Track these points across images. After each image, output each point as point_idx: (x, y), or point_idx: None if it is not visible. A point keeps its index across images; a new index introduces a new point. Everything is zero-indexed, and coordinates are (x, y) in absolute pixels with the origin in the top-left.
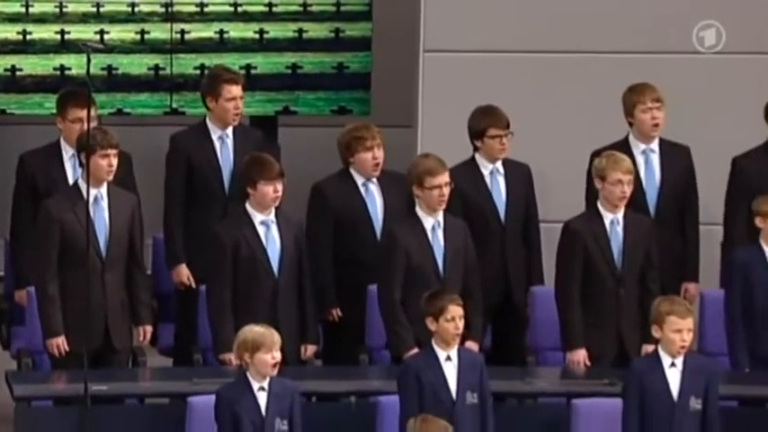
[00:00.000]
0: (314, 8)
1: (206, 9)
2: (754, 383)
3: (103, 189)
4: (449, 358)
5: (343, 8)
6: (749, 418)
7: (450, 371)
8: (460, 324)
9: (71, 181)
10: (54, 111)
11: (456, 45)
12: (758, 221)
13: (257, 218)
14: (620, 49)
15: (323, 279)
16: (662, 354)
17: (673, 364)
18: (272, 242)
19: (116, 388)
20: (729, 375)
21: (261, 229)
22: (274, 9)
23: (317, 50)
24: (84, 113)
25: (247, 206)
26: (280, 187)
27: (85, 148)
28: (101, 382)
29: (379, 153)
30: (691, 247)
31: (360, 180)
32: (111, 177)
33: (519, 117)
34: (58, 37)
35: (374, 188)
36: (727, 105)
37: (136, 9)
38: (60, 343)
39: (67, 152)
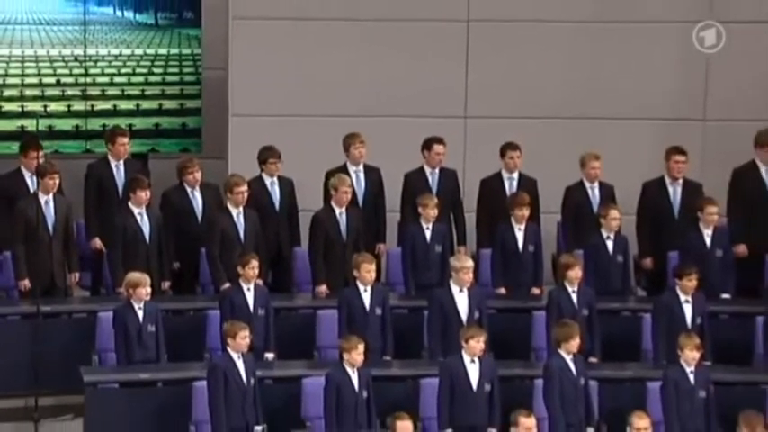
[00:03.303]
0: (168, 92)
1: (106, 92)
2: (416, 299)
3: (50, 196)
4: (249, 289)
5: (185, 92)
6: (413, 320)
7: (250, 296)
8: (257, 270)
9: (30, 192)
10: (16, 152)
11: (250, 111)
12: (420, 209)
13: (136, 211)
14: (344, 114)
15: (168, 247)
16: (359, 284)
17: (365, 290)
18: (145, 224)
19: (56, 308)
20: (405, 296)
21: (138, 217)
22: (146, 92)
23: (171, 116)
24: (34, 153)
25: (130, 204)
26: (148, 193)
27: (38, 173)
28: (47, 305)
29: (198, 174)
30: (381, 224)
31: (189, 190)
32: (55, 190)
33: (289, 151)
34: (19, 108)
35: (198, 194)
36: (407, 146)
37: (65, 92)
38: (25, 282)
39: (26, 174)
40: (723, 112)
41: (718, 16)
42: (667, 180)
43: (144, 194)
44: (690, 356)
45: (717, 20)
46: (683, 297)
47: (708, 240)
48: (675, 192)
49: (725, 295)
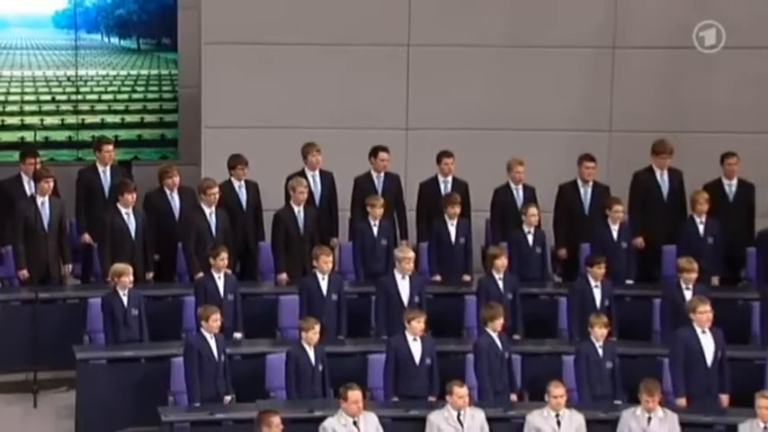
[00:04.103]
0: (149, 107)
1: (95, 108)
2: (365, 286)
3: (46, 198)
4: (219, 277)
5: (164, 107)
6: (362, 304)
7: (220, 284)
8: (226, 261)
9: (29, 194)
10: (16, 159)
11: (220, 124)
12: (368, 209)
13: (123, 210)
14: (302, 126)
15: (150, 242)
16: (318, 273)
17: (323, 278)
18: (131, 223)
19: (51, 295)
20: (355, 283)
21: (125, 217)
22: (129, 108)
23: (152, 128)
24: (32, 161)
25: (118, 205)
26: (134, 196)
27: (35, 178)
28: (44, 292)
29: (176, 179)
30: (334, 221)
31: (168, 192)
32: (50, 192)
33: (254, 158)
34: (19, 122)
35: (175, 196)
36: (356, 154)
37: (59, 108)
38: (24, 273)
39: (25, 179)
40: (626, 124)
41: (621, 42)
42: (579, 182)
43: (131, 197)
44: (599, 333)
45: (618, 45)
46: (593, 283)
47: (615, 234)
48: (586, 192)
49: (628, 281)
